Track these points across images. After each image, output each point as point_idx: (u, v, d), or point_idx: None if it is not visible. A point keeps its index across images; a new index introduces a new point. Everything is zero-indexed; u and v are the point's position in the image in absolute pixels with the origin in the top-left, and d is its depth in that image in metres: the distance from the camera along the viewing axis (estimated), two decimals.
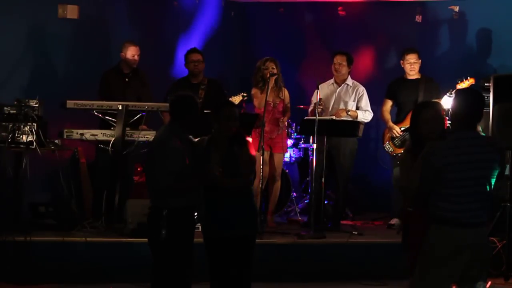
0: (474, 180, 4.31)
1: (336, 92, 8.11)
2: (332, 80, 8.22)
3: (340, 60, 8.11)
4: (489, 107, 7.32)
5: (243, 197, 5.24)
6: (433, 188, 4.34)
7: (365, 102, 8.15)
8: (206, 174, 5.10)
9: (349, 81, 8.21)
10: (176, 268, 5.10)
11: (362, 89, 8.19)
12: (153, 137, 7.40)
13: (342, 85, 8.17)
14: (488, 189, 4.35)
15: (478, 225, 4.32)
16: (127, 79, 7.97)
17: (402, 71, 8.30)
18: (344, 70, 8.12)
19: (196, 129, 5.30)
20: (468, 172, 4.29)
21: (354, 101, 8.15)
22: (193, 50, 8.24)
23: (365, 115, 8.10)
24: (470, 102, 4.41)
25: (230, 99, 7.56)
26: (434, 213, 4.35)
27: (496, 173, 4.38)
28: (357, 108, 8.13)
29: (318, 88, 7.77)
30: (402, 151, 8.07)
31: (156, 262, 5.16)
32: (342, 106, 8.11)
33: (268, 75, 7.87)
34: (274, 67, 7.97)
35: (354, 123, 7.85)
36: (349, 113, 8.03)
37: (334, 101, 8.11)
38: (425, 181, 4.38)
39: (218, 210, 5.19)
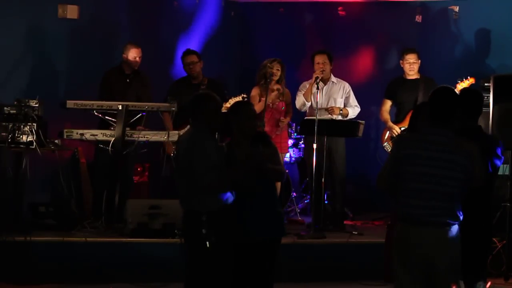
0: (433, 177, 4.21)
1: (323, 90, 8.09)
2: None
3: (323, 59, 8.10)
4: (489, 107, 7.33)
5: (270, 200, 5.13)
6: (395, 181, 4.29)
7: (353, 99, 8.21)
8: (250, 159, 4.92)
9: (333, 78, 8.24)
10: (218, 273, 4.88)
11: (348, 86, 8.23)
12: (153, 137, 7.49)
13: (328, 83, 8.19)
14: (454, 191, 4.23)
15: (434, 225, 4.20)
16: (128, 80, 7.97)
17: (402, 71, 8.31)
18: (328, 68, 8.13)
19: (220, 127, 5.12)
20: (425, 168, 4.22)
21: (342, 98, 8.18)
22: (186, 52, 8.26)
23: (354, 111, 8.16)
24: (443, 100, 4.35)
25: (230, 100, 7.57)
26: (397, 209, 4.32)
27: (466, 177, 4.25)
28: (345, 105, 8.16)
29: (318, 88, 7.78)
30: None
31: (196, 268, 4.89)
32: (331, 103, 8.12)
33: (273, 74, 7.91)
34: (279, 69, 7.98)
35: (354, 123, 7.85)
36: (341, 112, 8.07)
37: (323, 99, 8.09)
38: (390, 171, 4.35)
39: (247, 215, 5.01)
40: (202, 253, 4.80)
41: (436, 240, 4.21)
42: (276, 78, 7.97)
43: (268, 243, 5.08)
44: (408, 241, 4.24)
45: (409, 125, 5.40)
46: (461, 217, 4.29)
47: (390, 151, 4.57)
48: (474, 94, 5.11)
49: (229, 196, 4.91)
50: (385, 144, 8.31)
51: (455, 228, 4.26)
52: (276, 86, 8.01)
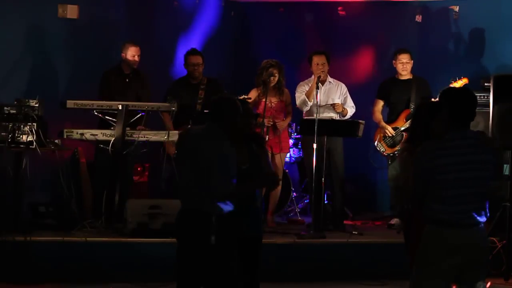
0: (467, 181, 4.24)
1: (321, 90, 8.09)
2: (312, 79, 8.16)
3: (322, 60, 8.11)
4: (489, 107, 7.33)
5: (250, 200, 5.15)
6: (426, 189, 4.30)
7: (349, 99, 8.27)
8: (267, 176, 5.02)
9: (330, 79, 8.27)
10: (228, 272, 4.87)
11: (344, 87, 8.29)
12: (153, 137, 7.48)
13: (326, 83, 8.20)
14: (485, 190, 4.29)
15: (472, 225, 4.25)
16: (127, 80, 7.97)
17: (395, 71, 8.34)
18: (327, 69, 8.15)
19: (237, 132, 5.06)
20: (460, 173, 4.24)
21: (339, 98, 8.21)
22: (193, 52, 8.21)
23: (351, 111, 8.23)
24: (463, 101, 4.34)
25: None
26: (428, 214, 4.32)
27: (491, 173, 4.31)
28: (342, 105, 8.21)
29: (317, 88, 7.80)
30: (398, 151, 8.10)
31: (206, 268, 4.83)
32: (330, 103, 8.14)
33: (270, 81, 7.92)
34: (277, 74, 7.97)
35: (354, 123, 7.86)
36: (342, 110, 8.12)
37: (321, 100, 8.08)
38: (418, 181, 4.35)
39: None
40: (208, 253, 4.77)
41: (476, 240, 4.27)
42: (273, 83, 7.97)
43: (248, 241, 5.11)
44: (447, 244, 4.25)
45: (415, 128, 5.23)
46: (488, 214, 4.37)
47: (415, 162, 4.46)
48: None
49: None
50: (376, 143, 8.34)
51: (485, 226, 4.37)
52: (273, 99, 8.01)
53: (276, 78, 7.98)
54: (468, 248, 4.24)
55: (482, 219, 4.30)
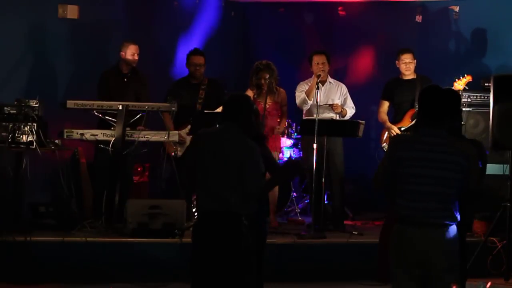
0: (431, 179, 4.19)
1: (321, 90, 8.08)
2: (312, 79, 8.16)
3: (322, 60, 8.10)
4: (489, 107, 7.33)
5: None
6: (393, 182, 4.29)
7: (349, 100, 8.27)
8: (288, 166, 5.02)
9: (330, 79, 8.27)
10: (253, 272, 4.84)
11: (344, 87, 8.30)
12: (153, 137, 7.47)
13: (326, 83, 8.20)
14: (452, 191, 4.21)
15: (436, 226, 4.19)
16: (126, 79, 7.97)
17: (399, 71, 8.33)
18: (327, 69, 8.15)
19: (254, 130, 5.02)
20: (423, 170, 4.20)
21: (339, 98, 8.21)
22: (196, 52, 8.22)
23: (351, 112, 8.22)
24: (430, 99, 4.31)
25: None
26: (395, 210, 4.31)
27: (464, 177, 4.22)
28: (342, 106, 8.19)
29: (317, 88, 7.79)
30: None
31: (230, 270, 4.72)
32: (330, 103, 8.14)
33: (261, 85, 7.91)
34: (267, 76, 7.93)
35: (355, 123, 7.86)
36: (341, 110, 8.12)
37: (321, 100, 8.08)
38: (384, 173, 4.35)
39: None
40: (239, 254, 4.68)
41: (434, 241, 4.19)
42: (265, 87, 7.95)
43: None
44: (406, 242, 4.22)
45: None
46: (458, 218, 4.28)
47: (385, 153, 4.53)
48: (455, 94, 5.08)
49: None
50: (384, 144, 8.32)
51: (452, 229, 4.24)
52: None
53: (267, 81, 7.95)
54: (427, 249, 4.17)
55: (447, 220, 4.21)
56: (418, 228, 4.19)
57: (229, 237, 4.65)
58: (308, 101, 8.02)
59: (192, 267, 4.76)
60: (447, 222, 4.22)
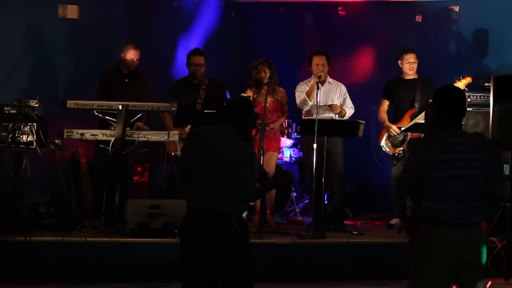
0: (458, 179, 4.23)
1: (321, 90, 8.08)
2: (312, 80, 8.16)
3: (322, 61, 8.10)
4: (489, 107, 7.33)
5: None
6: (420, 186, 4.30)
7: (349, 100, 8.27)
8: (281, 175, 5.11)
9: (330, 79, 8.27)
10: (247, 271, 4.81)
11: (344, 88, 8.29)
12: (153, 137, 7.47)
13: (325, 84, 8.20)
14: (479, 189, 4.26)
15: (466, 225, 4.23)
16: (126, 80, 7.97)
17: (401, 71, 8.33)
18: (327, 69, 8.15)
19: (249, 133, 5.06)
20: (450, 171, 4.23)
21: (338, 99, 8.21)
22: (196, 52, 8.22)
23: (350, 112, 8.21)
24: (454, 100, 4.34)
25: None
26: (423, 212, 4.32)
27: (487, 173, 4.28)
28: (341, 106, 8.20)
29: (317, 88, 7.79)
30: (402, 151, 8.12)
31: (225, 269, 4.75)
32: (329, 103, 8.14)
33: (261, 79, 7.90)
34: (267, 70, 7.96)
35: (355, 123, 7.86)
36: (341, 110, 8.12)
37: (321, 100, 8.07)
38: (409, 178, 4.36)
39: None
40: (227, 254, 4.69)
41: (470, 240, 4.25)
42: (265, 81, 7.97)
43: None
44: (440, 243, 4.24)
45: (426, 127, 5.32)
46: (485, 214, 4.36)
47: (407, 157, 4.51)
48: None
49: None
50: (382, 144, 8.32)
51: (481, 226, 4.34)
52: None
53: (268, 74, 7.96)
54: (460, 248, 4.21)
55: (477, 218, 4.27)
56: (454, 228, 4.22)
57: (217, 238, 4.67)
58: (309, 102, 8.02)
59: (181, 265, 4.79)
60: (478, 220, 4.29)
